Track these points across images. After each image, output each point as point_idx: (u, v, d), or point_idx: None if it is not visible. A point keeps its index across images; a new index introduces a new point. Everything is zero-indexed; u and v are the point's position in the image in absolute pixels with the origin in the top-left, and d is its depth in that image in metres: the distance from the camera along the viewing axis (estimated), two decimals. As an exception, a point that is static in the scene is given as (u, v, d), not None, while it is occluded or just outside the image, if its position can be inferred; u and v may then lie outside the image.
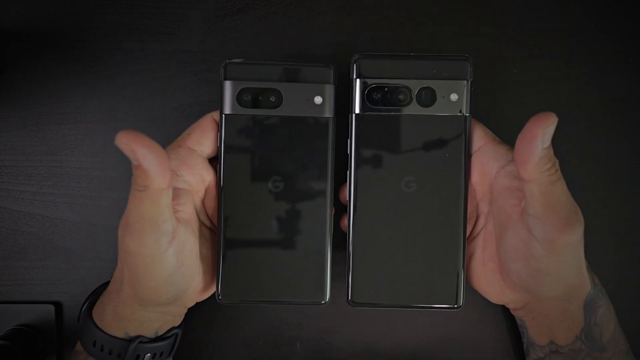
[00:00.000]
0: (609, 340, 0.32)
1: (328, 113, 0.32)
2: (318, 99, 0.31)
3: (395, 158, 0.32)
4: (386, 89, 0.32)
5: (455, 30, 0.37)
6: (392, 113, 0.32)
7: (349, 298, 0.33)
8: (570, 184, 0.38)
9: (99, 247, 0.38)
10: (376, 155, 0.32)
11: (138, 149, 0.24)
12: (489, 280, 0.33)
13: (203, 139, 0.32)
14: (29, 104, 0.38)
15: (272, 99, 0.31)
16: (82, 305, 0.34)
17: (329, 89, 0.32)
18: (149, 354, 0.32)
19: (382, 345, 0.39)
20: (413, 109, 0.32)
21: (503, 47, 0.38)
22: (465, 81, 0.31)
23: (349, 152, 0.32)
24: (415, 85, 0.31)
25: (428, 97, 0.31)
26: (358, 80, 0.32)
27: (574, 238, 0.27)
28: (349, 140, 0.32)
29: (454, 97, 0.31)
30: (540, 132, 0.25)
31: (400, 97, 0.32)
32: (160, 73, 0.38)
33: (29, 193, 0.38)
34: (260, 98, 0.31)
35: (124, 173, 0.38)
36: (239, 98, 0.31)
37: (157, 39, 0.38)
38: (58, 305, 0.39)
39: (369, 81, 0.31)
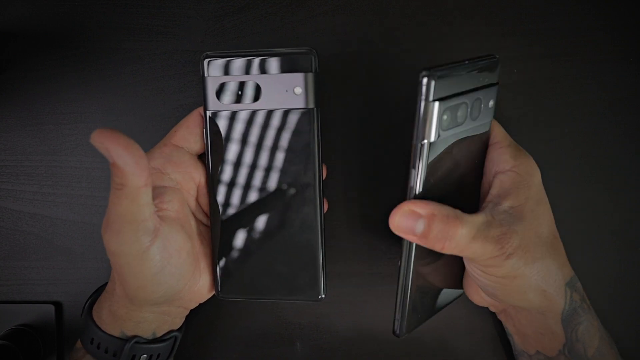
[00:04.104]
0: (594, 355, 0.32)
1: (310, 104, 0.31)
2: (298, 90, 0.31)
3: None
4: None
5: (455, 30, 0.37)
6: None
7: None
8: (571, 184, 0.38)
9: (99, 247, 0.38)
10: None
11: (112, 147, 0.23)
12: (469, 281, 0.34)
13: (189, 135, 0.32)
14: (29, 104, 0.38)
15: (252, 92, 0.31)
16: (85, 303, 0.34)
17: (309, 78, 0.31)
18: (145, 355, 0.32)
19: (382, 344, 0.39)
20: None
21: (503, 47, 0.38)
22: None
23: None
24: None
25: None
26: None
27: (510, 266, 0.28)
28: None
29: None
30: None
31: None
32: (160, 73, 0.38)
33: (29, 193, 0.38)
34: (240, 92, 0.31)
35: (124, 173, 0.38)
36: (218, 94, 0.31)
37: (157, 39, 0.38)
38: (58, 305, 0.39)
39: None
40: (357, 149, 0.38)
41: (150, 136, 0.38)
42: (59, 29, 0.38)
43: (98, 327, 0.31)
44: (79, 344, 0.33)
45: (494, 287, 0.29)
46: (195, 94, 0.38)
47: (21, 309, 0.38)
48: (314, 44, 0.38)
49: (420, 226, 0.26)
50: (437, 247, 0.26)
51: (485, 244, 0.27)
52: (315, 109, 0.31)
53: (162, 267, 0.28)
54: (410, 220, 0.26)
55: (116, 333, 0.31)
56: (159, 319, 0.32)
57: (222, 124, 0.32)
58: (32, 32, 0.38)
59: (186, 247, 0.30)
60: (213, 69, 0.31)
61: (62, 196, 0.38)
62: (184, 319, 0.35)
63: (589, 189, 0.38)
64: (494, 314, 0.37)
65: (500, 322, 0.37)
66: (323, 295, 0.33)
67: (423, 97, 0.26)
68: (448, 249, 0.26)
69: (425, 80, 0.26)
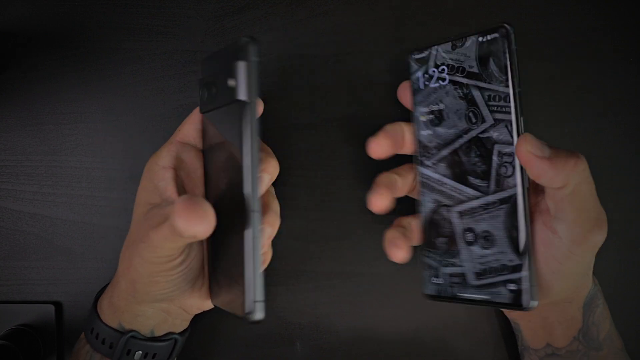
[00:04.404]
0: (605, 339, 0.32)
1: (242, 96, 0.27)
2: (231, 82, 0.27)
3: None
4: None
5: (455, 30, 0.37)
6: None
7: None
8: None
9: (99, 247, 0.38)
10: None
11: (197, 228, 0.24)
12: None
13: (193, 131, 0.32)
14: (29, 104, 0.38)
15: (213, 90, 0.30)
16: (97, 294, 0.34)
17: (242, 68, 0.27)
18: (140, 352, 0.32)
19: (382, 344, 0.39)
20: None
21: (503, 47, 0.38)
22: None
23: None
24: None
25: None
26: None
27: (601, 239, 0.28)
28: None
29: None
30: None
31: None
32: (160, 73, 0.38)
33: (29, 193, 0.38)
34: (207, 92, 0.30)
35: (124, 173, 0.38)
36: (200, 95, 0.31)
37: (157, 39, 0.38)
38: (58, 305, 0.39)
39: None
40: (357, 149, 0.38)
41: (150, 136, 0.38)
42: (59, 29, 0.38)
43: (98, 317, 0.32)
44: (82, 334, 0.33)
45: (562, 271, 0.29)
46: (196, 94, 0.38)
47: (21, 309, 0.38)
48: (314, 44, 0.38)
49: (547, 148, 0.27)
50: (568, 168, 0.27)
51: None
52: (247, 102, 0.27)
53: (182, 271, 0.29)
54: (535, 145, 0.27)
55: (114, 325, 0.31)
56: (158, 316, 0.32)
57: (204, 126, 0.32)
58: (32, 32, 0.38)
59: (201, 250, 0.31)
60: (202, 70, 0.31)
61: (62, 196, 0.38)
62: (185, 323, 0.34)
63: (589, 189, 0.38)
64: (494, 313, 0.37)
65: (500, 322, 0.37)
66: (257, 317, 0.27)
67: (514, 45, 0.29)
68: (577, 169, 0.27)
69: (512, 31, 0.29)
